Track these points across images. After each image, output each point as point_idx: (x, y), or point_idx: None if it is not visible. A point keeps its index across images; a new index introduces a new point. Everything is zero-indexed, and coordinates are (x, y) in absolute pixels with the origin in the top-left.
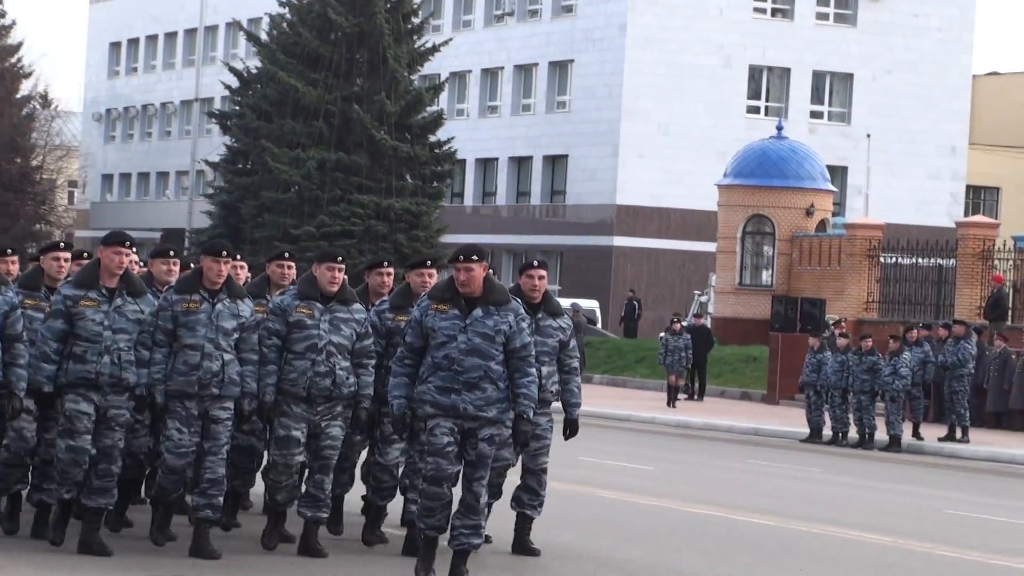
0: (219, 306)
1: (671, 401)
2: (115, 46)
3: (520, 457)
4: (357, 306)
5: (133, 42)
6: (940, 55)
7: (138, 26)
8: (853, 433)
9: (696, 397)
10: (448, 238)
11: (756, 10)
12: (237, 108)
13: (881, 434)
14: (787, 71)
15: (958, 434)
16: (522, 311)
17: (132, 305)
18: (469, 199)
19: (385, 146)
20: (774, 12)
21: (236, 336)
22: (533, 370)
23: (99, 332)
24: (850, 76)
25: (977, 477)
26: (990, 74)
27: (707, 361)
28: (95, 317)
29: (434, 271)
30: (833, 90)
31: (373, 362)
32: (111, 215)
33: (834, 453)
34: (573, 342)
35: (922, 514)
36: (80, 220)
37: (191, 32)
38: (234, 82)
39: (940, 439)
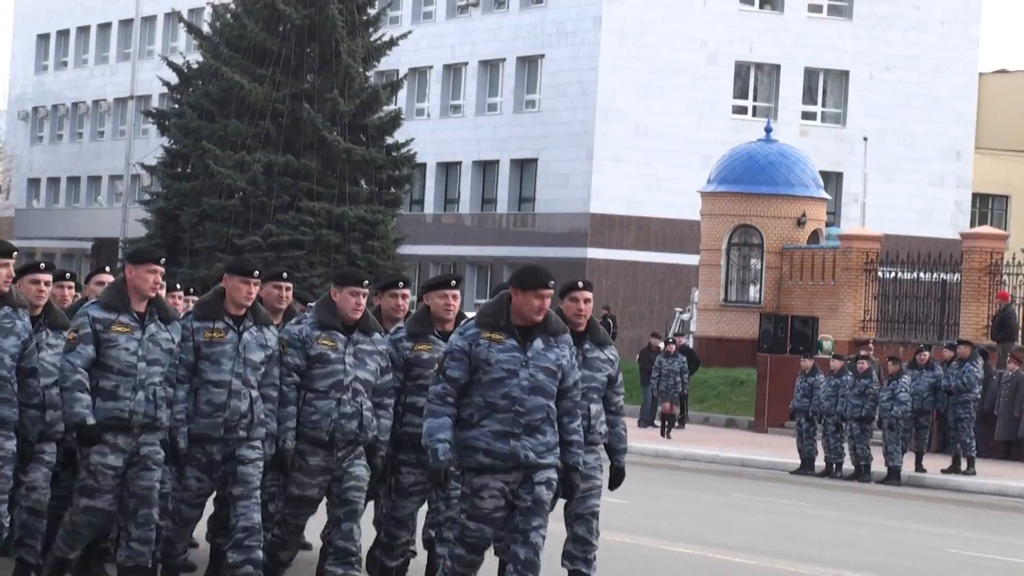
0: (246, 335)
1: (666, 431)
2: (43, 38)
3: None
4: (378, 336)
5: (63, 34)
6: (943, 51)
7: (68, 16)
8: (848, 464)
9: (678, 424)
10: (406, 249)
11: (743, 1)
12: (176, 107)
13: (879, 465)
14: (776, 68)
15: (963, 465)
16: (572, 342)
17: (164, 333)
18: (430, 207)
19: (338, 148)
20: (762, 4)
21: (263, 370)
22: (580, 412)
23: (133, 363)
24: (845, 74)
25: (984, 513)
26: (998, 72)
27: (690, 385)
28: (128, 346)
29: (457, 292)
30: (827, 89)
31: (393, 401)
32: (38, 223)
33: (827, 486)
34: (620, 377)
35: (923, 553)
36: (3, 229)
37: (126, 23)
38: (173, 78)
39: (944, 471)
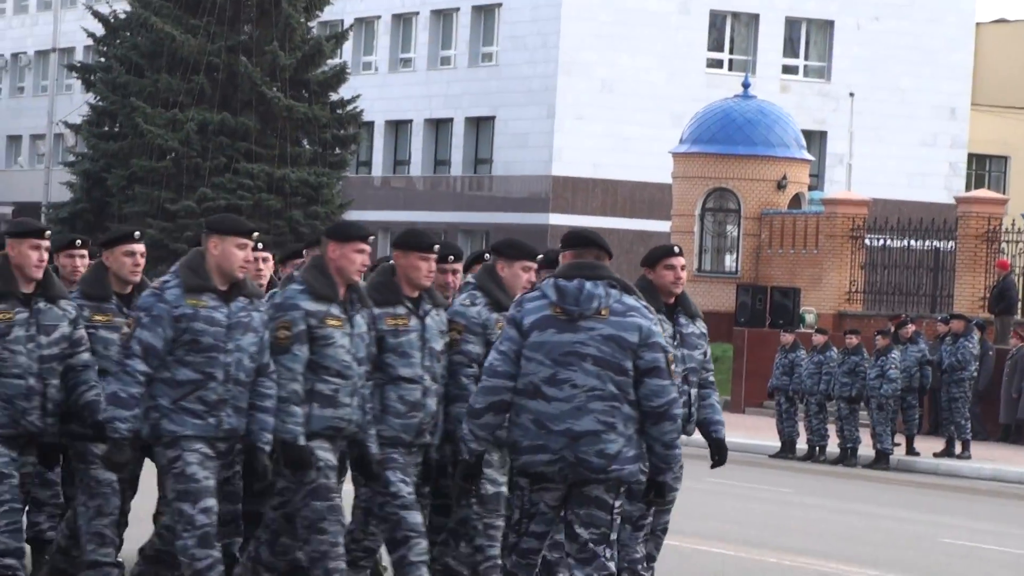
0: (428, 320)
1: None
2: None
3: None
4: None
5: None
6: None
7: None
8: (833, 447)
9: None
10: (353, 214)
11: None
12: (102, 60)
13: (866, 448)
14: (755, 18)
15: (957, 448)
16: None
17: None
18: (378, 169)
19: (278, 106)
20: None
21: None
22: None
23: (349, 364)
24: (830, 24)
25: (979, 499)
26: (996, 22)
27: None
28: (343, 342)
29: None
30: (810, 40)
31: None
32: None
33: (810, 471)
34: (708, 349)
35: (914, 543)
36: None
37: None
38: (99, 29)
39: (936, 454)
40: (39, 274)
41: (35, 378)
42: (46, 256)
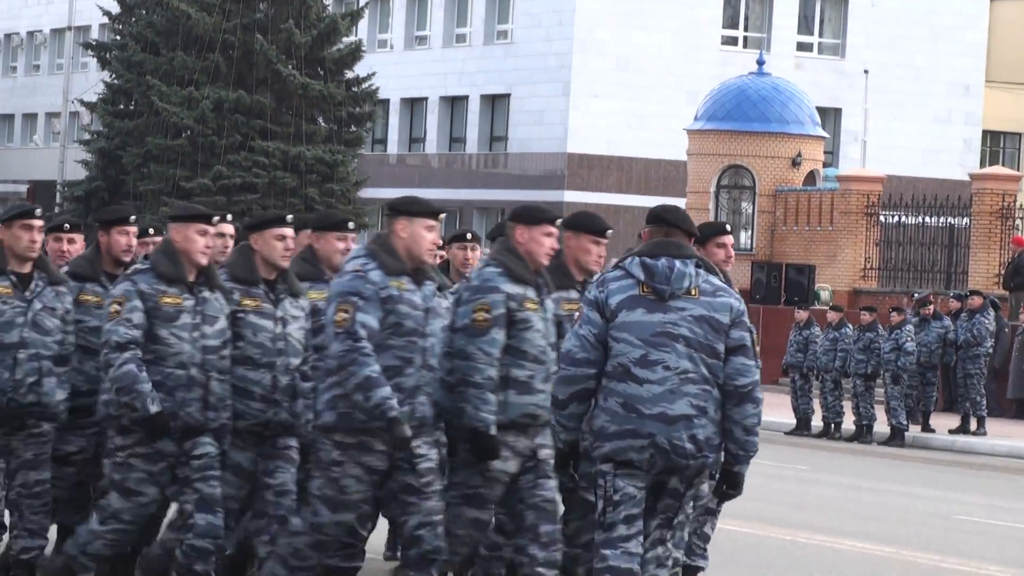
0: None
1: None
2: None
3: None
4: None
5: None
6: None
7: None
8: (848, 424)
9: None
10: (368, 192)
11: None
12: (118, 38)
13: (882, 425)
14: None
15: (973, 425)
16: None
17: None
18: (393, 146)
19: (293, 84)
20: None
21: None
22: None
23: (544, 349)
24: (844, 1)
25: (994, 476)
26: None
27: None
28: (540, 326)
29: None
30: (824, 18)
31: None
32: None
33: (825, 448)
34: None
35: (929, 520)
36: None
37: None
38: (114, 7)
39: (951, 431)
40: (204, 260)
41: (197, 368)
42: (212, 242)
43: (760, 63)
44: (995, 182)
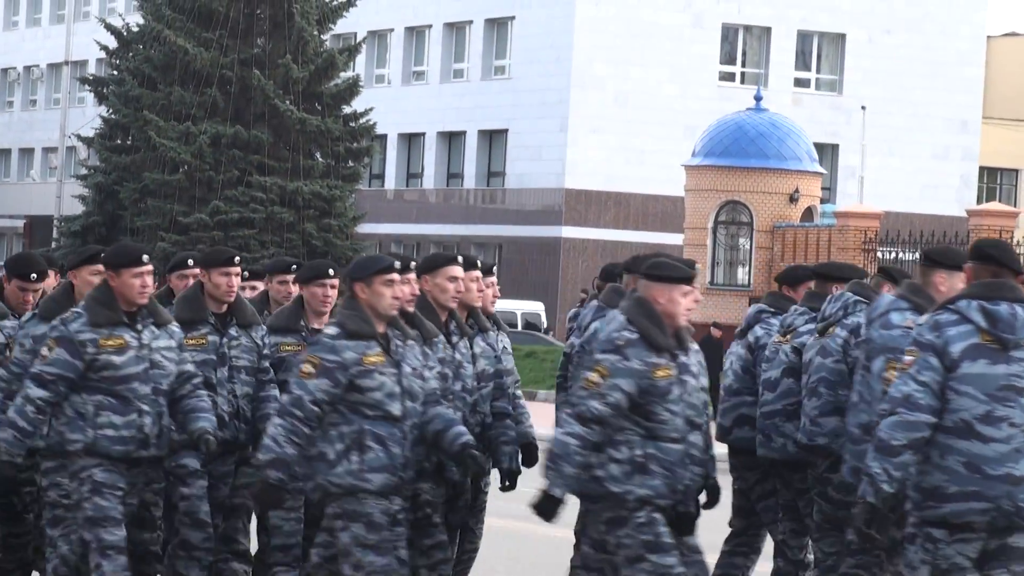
0: None
1: None
2: None
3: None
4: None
5: None
6: (948, 12)
7: None
8: None
9: None
10: (366, 227)
11: None
12: (115, 73)
13: None
14: (767, 31)
15: None
16: None
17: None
18: (391, 182)
19: (291, 119)
20: None
21: None
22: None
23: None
24: (842, 37)
25: None
26: (1008, 35)
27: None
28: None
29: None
30: (822, 54)
31: None
32: None
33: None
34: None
35: None
36: None
37: None
38: (111, 42)
39: None
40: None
41: None
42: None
43: (758, 99)
44: (992, 218)
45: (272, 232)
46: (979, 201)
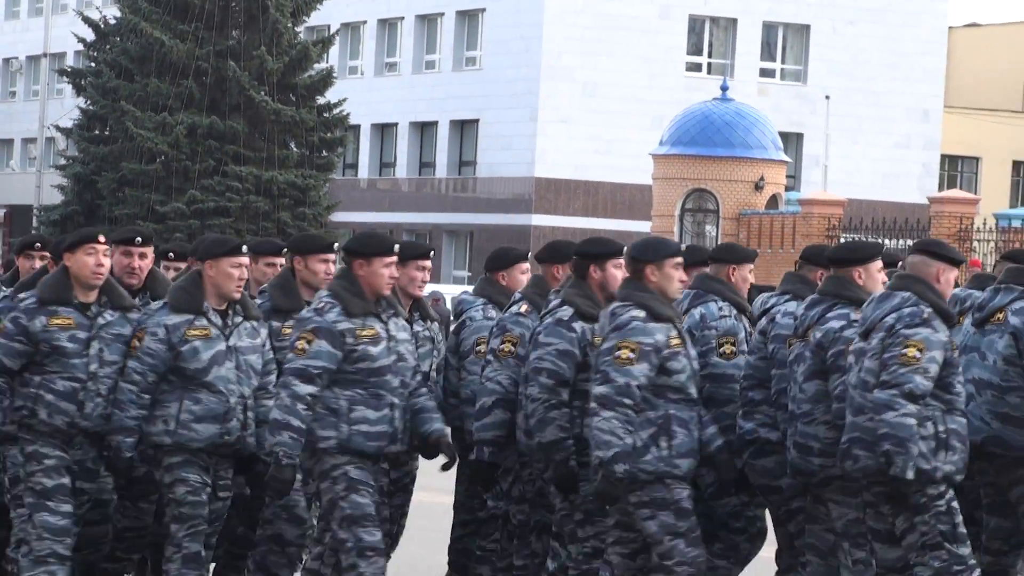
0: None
1: None
2: None
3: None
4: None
5: None
6: (910, 3)
7: None
8: None
9: None
10: (339, 216)
11: None
12: (93, 65)
13: None
14: (733, 22)
15: None
16: None
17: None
18: (364, 171)
19: (266, 109)
20: None
21: None
22: None
23: None
24: (806, 28)
25: None
26: (968, 26)
27: None
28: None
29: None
30: (786, 44)
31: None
32: None
33: None
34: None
35: None
36: None
37: None
38: (89, 35)
39: None
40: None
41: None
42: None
43: (724, 89)
44: (953, 205)
45: (248, 220)
46: (940, 188)
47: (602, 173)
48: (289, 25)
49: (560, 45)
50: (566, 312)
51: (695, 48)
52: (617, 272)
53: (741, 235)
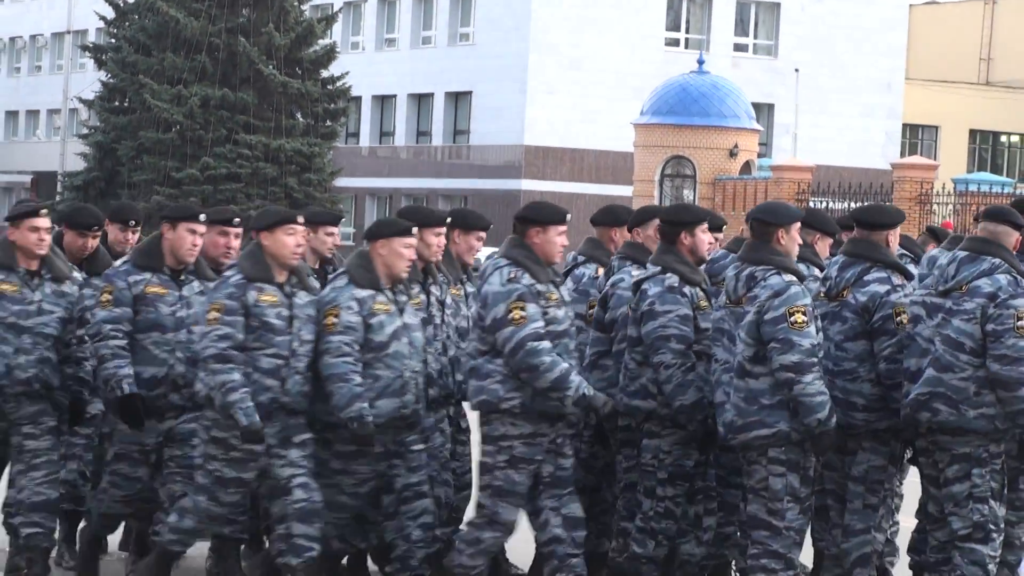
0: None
1: None
2: None
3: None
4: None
5: None
6: None
7: None
8: None
9: None
10: (342, 181)
11: None
12: (113, 41)
13: None
14: (708, 1)
15: None
16: None
17: None
18: (365, 139)
19: (274, 82)
20: None
21: None
22: None
23: None
24: (777, 5)
25: None
26: (928, 3)
27: None
28: None
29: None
30: (759, 21)
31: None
32: None
33: None
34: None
35: None
36: None
37: None
38: (109, 13)
39: None
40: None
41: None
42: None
43: (700, 62)
44: (914, 171)
45: (257, 186)
46: (902, 155)
47: (587, 141)
48: (295, 3)
49: (548, 22)
50: (673, 279)
51: (673, 24)
52: (706, 237)
53: (717, 199)
